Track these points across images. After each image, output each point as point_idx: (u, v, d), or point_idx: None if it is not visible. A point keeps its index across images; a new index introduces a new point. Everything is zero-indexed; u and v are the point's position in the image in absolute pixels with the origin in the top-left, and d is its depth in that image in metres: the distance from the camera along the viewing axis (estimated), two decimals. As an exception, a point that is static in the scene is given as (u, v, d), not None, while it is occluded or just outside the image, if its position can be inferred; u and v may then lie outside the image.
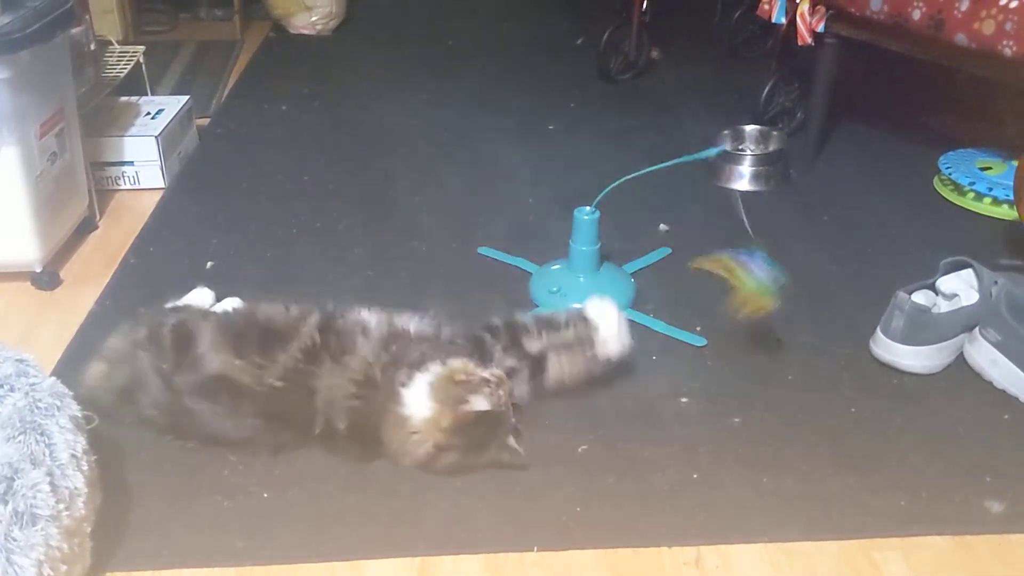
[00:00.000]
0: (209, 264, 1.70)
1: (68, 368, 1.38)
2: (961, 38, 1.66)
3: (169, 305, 1.40)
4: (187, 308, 1.37)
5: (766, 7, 2.09)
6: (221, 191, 2.00)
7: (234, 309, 1.38)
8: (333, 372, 1.20)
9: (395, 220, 1.87)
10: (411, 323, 1.28)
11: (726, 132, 2.11)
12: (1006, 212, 1.85)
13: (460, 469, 1.19)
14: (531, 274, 1.65)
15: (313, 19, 3.09)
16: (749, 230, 1.51)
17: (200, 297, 1.47)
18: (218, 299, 1.49)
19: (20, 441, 0.97)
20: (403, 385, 1.17)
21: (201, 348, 1.22)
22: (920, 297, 1.43)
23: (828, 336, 1.50)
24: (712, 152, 1.59)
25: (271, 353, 1.21)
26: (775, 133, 2.11)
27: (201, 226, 1.85)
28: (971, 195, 1.91)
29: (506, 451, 1.20)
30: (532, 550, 1.10)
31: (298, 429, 1.20)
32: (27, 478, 0.94)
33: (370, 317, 1.27)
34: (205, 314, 1.31)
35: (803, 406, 1.34)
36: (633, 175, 1.48)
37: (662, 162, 1.49)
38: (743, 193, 2.01)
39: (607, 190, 1.50)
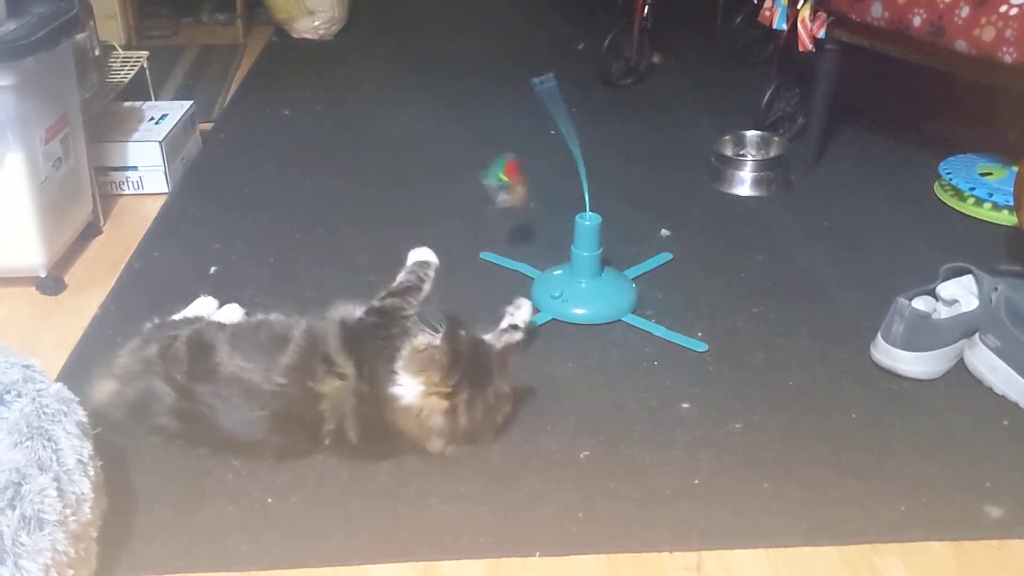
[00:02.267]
0: (212, 269, 1.70)
1: (73, 373, 1.39)
2: (961, 44, 1.67)
3: (177, 317, 1.42)
4: (198, 320, 1.38)
5: (767, 13, 2.10)
6: (224, 196, 2.01)
7: (243, 319, 1.41)
8: (330, 381, 1.21)
9: (397, 225, 1.88)
10: (356, 310, 1.33)
11: (727, 137, 2.12)
12: (1006, 218, 1.86)
13: (483, 419, 1.22)
14: (533, 279, 1.66)
15: (315, 24, 3.09)
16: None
17: (204, 306, 1.48)
18: (219, 306, 1.50)
19: (27, 446, 0.98)
20: (392, 385, 1.20)
21: (218, 357, 1.24)
22: (920, 303, 1.44)
23: (828, 341, 1.50)
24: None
25: (274, 355, 1.23)
26: (776, 138, 2.12)
27: (204, 231, 1.86)
28: (971, 200, 1.92)
29: (507, 371, 1.24)
30: (534, 555, 1.11)
31: (307, 433, 1.22)
32: (34, 483, 0.94)
33: (332, 314, 1.32)
34: (220, 325, 1.32)
35: (804, 411, 1.35)
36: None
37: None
38: (743, 198, 2.02)
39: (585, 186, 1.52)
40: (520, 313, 1.41)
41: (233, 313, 1.47)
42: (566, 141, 1.51)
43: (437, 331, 1.20)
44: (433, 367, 1.19)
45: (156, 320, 1.39)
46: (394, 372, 1.20)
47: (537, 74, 1.52)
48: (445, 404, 1.19)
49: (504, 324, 1.40)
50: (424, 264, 1.39)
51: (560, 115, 1.48)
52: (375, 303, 1.32)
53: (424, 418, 1.20)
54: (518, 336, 1.39)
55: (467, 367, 1.20)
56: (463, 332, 1.24)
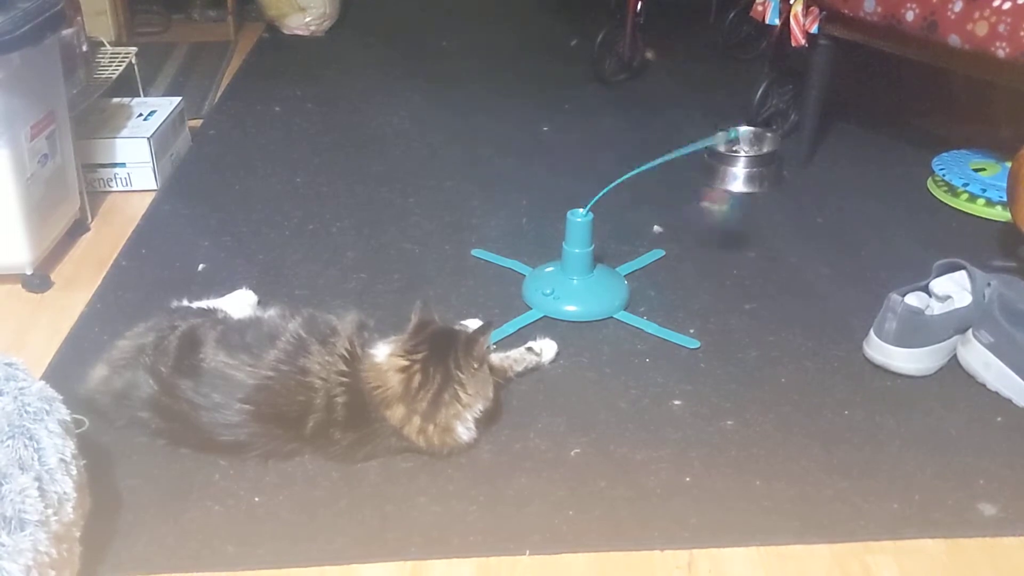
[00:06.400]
0: (201, 266, 1.69)
1: (59, 371, 1.38)
2: (954, 39, 1.66)
3: (199, 304, 1.40)
4: (213, 311, 1.37)
5: (760, 8, 2.09)
6: (213, 193, 2.00)
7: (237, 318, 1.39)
8: (322, 352, 1.22)
9: (388, 222, 1.87)
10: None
11: (720, 133, 2.11)
12: (999, 213, 1.85)
13: (441, 390, 1.20)
14: (524, 276, 1.64)
15: (307, 20, 3.08)
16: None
17: (238, 299, 1.49)
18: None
19: (8, 446, 0.96)
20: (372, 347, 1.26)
21: (203, 352, 1.22)
22: (913, 299, 1.43)
23: (821, 338, 1.50)
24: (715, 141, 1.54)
25: (260, 352, 1.22)
26: (769, 134, 2.11)
27: (193, 228, 1.84)
28: (965, 196, 1.91)
29: (472, 350, 1.22)
30: (524, 554, 1.10)
31: (290, 424, 1.20)
32: (15, 483, 0.93)
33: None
34: (215, 323, 1.31)
35: (796, 409, 1.34)
36: (635, 172, 1.48)
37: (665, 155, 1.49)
38: (737, 195, 2.01)
39: (605, 191, 1.49)
40: (545, 347, 1.43)
41: (244, 300, 1.48)
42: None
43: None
44: (402, 336, 1.25)
45: (176, 303, 1.40)
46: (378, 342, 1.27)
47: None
48: (403, 362, 1.21)
49: (526, 345, 1.42)
50: None
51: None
52: None
53: (384, 376, 1.21)
54: (534, 358, 1.41)
55: (432, 336, 1.23)
56: (436, 315, 1.27)
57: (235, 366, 1.20)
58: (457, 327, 1.29)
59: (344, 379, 1.21)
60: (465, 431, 1.23)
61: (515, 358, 1.40)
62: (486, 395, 1.24)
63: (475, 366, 1.22)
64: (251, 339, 1.24)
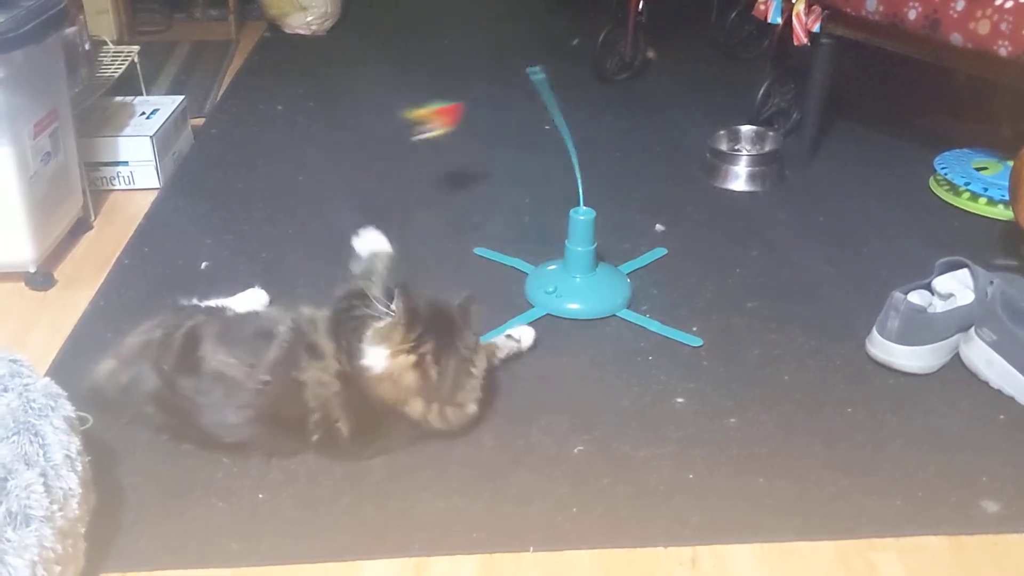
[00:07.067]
0: (204, 264, 1.69)
1: (62, 368, 1.38)
2: (957, 38, 1.66)
3: (209, 303, 1.40)
4: (220, 310, 1.37)
5: (762, 7, 2.09)
6: (215, 191, 2.00)
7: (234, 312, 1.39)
8: (312, 366, 1.21)
9: (391, 220, 1.86)
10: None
11: (722, 132, 2.11)
12: (1001, 212, 1.85)
13: (458, 371, 1.20)
14: (527, 275, 1.65)
15: (308, 19, 3.08)
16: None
17: (250, 298, 1.49)
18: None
19: (14, 442, 0.97)
20: (363, 358, 1.20)
21: (203, 350, 1.23)
22: (916, 297, 1.43)
23: (824, 336, 1.50)
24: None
25: (259, 351, 1.22)
26: (771, 133, 2.11)
27: (195, 226, 1.84)
28: (966, 195, 1.91)
29: (469, 320, 1.22)
30: (528, 550, 1.10)
31: (294, 431, 1.20)
32: (21, 479, 0.93)
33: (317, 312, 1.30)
34: (218, 320, 1.31)
35: (798, 407, 1.34)
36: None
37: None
38: (738, 193, 2.01)
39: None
40: (523, 334, 1.45)
41: (255, 300, 1.49)
42: (560, 132, 1.50)
43: (391, 310, 1.20)
44: (394, 330, 1.19)
45: (185, 301, 1.39)
46: (362, 346, 1.20)
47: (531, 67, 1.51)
48: (412, 358, 1.18)
49: (504, 333, 1.44)
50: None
51: (551, 106, 1.47)
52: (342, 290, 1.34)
53: (397, 379, 1.19)
54: (514, 345, 1.43)
55: (427, 321, 1.20)
56: (417, 295, 1.24)
57: (235, 365, 1.20)
58: (442, 301, 1.26)
59: (342, 379, 1.20)
60: (474, 404, 1.24)
61: (498, 345, 1.42)
62: (483, 358, 1.26)
63: (475, 333, 1.24)
64: (251, 337, 1.25)
